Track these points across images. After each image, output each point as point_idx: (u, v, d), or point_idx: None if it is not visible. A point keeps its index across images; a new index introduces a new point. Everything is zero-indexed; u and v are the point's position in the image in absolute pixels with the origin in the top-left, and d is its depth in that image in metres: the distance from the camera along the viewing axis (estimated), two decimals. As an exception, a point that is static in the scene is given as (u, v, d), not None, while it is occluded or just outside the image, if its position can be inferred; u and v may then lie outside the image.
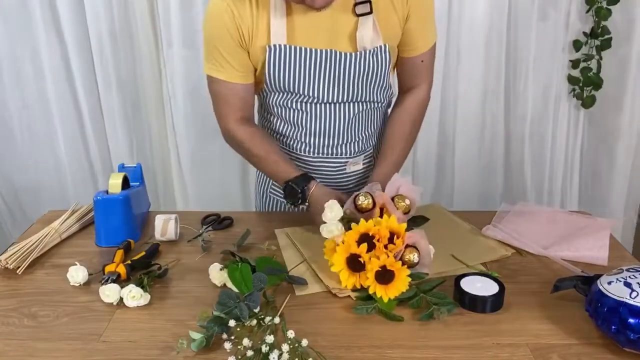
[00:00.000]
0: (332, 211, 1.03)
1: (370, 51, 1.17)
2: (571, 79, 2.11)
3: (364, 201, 1.05)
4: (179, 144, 2.21)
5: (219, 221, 1.28)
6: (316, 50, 1.15)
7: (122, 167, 1.29)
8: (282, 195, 1.38)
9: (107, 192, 1.18)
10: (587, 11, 2.01)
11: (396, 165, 1.26)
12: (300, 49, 1.15)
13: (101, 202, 1.16)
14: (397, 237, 0.98)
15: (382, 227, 0.97)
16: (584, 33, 2.04)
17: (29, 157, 2.22)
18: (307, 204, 1.18)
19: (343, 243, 0.98)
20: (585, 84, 2.09)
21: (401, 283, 0.94)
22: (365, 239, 0.98)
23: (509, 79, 2.13)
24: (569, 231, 1.16)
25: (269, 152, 1.23)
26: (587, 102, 2.11)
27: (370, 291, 0.94)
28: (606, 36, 2.01)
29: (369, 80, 1.20)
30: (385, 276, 0.94)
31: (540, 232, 1.16)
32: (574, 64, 2.09)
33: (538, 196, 2.28)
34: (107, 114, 2.16)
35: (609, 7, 1.96)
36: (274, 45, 1.13)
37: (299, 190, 1.16)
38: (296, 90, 1.19)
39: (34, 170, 2.24)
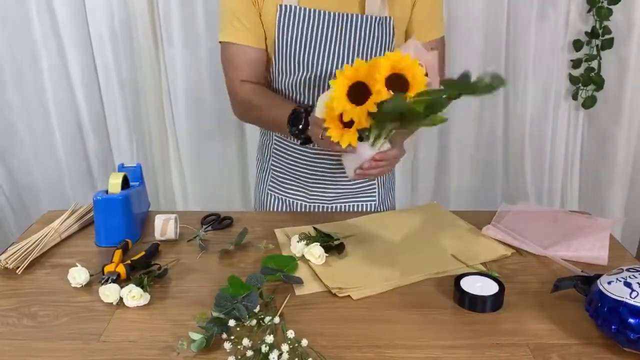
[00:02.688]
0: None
1: (376, 18, 1.19)
2: (572, 79, 2.11)
3: None
4: (179, 144, 2.21)
5: (218, 221, 1.27)
6: (325, 13, 1.17)
7: (122, 167, 1.29)
8: (282, 191, 1.38)
9: (106, 191, 1.18)
10: (589, 11, 2.01)
11: None
12: (311, 10, 1.16)
13: (101, 202, 1.16)
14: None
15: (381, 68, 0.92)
16: (586, 33, 2.04)
17: (30, 156, 2.22)
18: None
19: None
20: (586, 84, 2.09)
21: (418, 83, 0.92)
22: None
23: (508, 78, 2.12)
24: (569, 231, 1.16)
25: (273, 99, 1.23)
26: (587, 103, 2.11)
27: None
28: (607, 36, 2.01)
29: (373, 50, 1.21)
30: (398, 80, 0.91)
31: (540, 232, 1.16)
32: (575, 63, 2.08)
33: (538, 196, 2.27)
34: (107, 113, 2.16)
35: (609, 6, 1.96)
36: (285, 6, 1.16)
37: (302, 119, 1.12)
38: (303, 58, 1.19)
39: (35, 169, 2.24)
